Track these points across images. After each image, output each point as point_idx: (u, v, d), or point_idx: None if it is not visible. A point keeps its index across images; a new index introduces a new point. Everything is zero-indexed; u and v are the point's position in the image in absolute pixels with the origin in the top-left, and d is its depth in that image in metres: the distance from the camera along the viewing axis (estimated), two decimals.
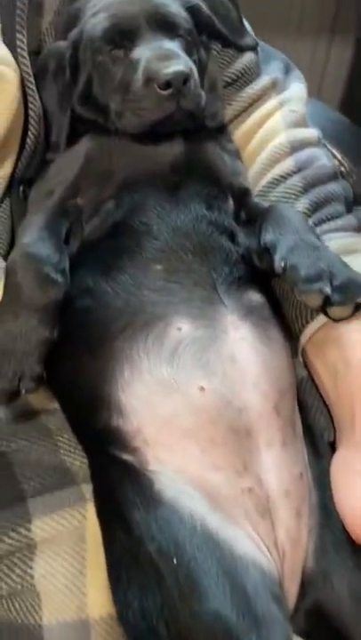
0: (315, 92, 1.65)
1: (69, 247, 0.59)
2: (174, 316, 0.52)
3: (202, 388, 0.49)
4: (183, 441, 0.48)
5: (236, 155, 0.69)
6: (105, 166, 0.59)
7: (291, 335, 0.59)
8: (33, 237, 0.55)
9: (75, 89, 0.62)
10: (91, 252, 0.59)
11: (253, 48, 0.72)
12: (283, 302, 0.60)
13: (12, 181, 0.66)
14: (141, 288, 0.54)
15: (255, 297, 0.57)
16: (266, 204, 0.63)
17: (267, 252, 0.56)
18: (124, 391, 0.50)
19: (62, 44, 0.63)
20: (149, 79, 0.55)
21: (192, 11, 0.65)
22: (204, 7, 0.66)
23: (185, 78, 0.55)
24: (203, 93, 0.61)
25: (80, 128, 0.63)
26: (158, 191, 0.58)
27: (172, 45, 0.59)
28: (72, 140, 0.63)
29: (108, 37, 0.59)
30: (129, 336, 0.51)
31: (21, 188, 0.67)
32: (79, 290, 0.56)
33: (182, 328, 0.52)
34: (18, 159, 0.64)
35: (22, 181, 0.67)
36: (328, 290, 0.49)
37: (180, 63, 0.56)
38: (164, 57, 0.56)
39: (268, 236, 0.56)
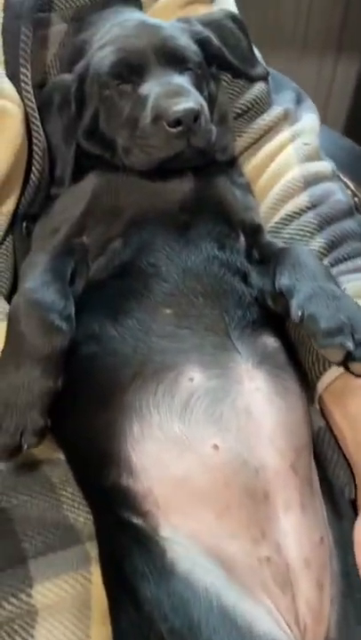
0: (321, 109, 1.64)
1: (75, 287, 0.56)
2: (185, 365, 0.49)
3: (216, 447, 0.46)
4: (197, 505, 0.45)
5: (247, 189, 0.66)
6: (112, 203, 0.57)
7: (307, 381, 0.56)
8: (36, 282, 0.53)
9: (80, 123, 0.61)
10: (97, 293, 0.56)
11: (264, 78, 0.70)
12: (298, 347, 0.57)
13: (15, 217, 0.64)
14: (150, 334, 0.51)
15: (270, 341, 0.54)
16: (280, 244, 0.60)
17: (282, 295, 0.53)
18: (133, 449, 0.47)
19: (68, 77, 0.61)
20: (158, 116, 0.54)
21: (202, 43, 0.63)
22: (214, 38, 0.64)
23: (195, 115, 0.54)
24: (213, 129, 0.59)
25: (86, 163, 0.61)
26: (167, 230, 0.56)
27: (182, 80, 0.57)
28: (77, 175, 0.61)
29: (116, 72, 0.57)
30: (138, 387, 0.49)
31: (24, 225, 0.65)
32: (85, 335, 0.53)
33: (194, 378, 0.49)
34: (21, 195, 0.62)
35: (25, 217, 0.64)
36: (350, 345, 0.46)
37: (190, 100, 0.54)
38: (174, 93, 0.54)
39: (283, 281, 0.53)
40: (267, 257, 0.59)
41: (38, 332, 0.49)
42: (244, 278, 0.57)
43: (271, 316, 0.56)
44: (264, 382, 0.50)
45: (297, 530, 0.47)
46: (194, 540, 0.44)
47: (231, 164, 0.66)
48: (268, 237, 0.62)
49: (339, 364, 0.50)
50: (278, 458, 0.48)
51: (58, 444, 0.53)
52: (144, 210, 0.57)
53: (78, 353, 0.52)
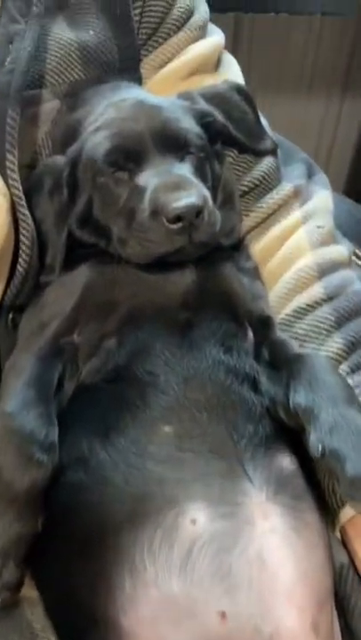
0: (327, 149, 1.64)
1: (63, 392, 0.50)
2: (186, 503, 0.42)
3: (222, 614, 0.39)
4: None
5: (255, 274, 0.60)
6: (106, 297, 0.52)
7: (327, 507, 0.49)
8: (17, 401, 0.46)
9: (72, 209, 0.56)
10: (87, 400, 0.50)
11: (273, 152, 0.65)
12: (317, 467, 0.50)
13: (0, 309, 0.58)
14: (145, 458, 0.45)
15: (286, 463, 0.47)
16: (293, 346, 0.53)
17: (297, 414, 0.46)
18: (124, 611, 0.39)
19: (60, 159, 0.57)
20: (157, 211, 0.49)
21: (206, 122, 0.58)
22: (219, 116, 0.59)
23: (198, 211, 0.49)
24: (218, 218, 0.53)
25: (78, 251, 0.56)
26: (167, 331, 0.50)
27: (183, 169, 0.52)
28: (69, 263, 0.56)
29: (111, 160, 0.53)
30: (130, 531, 0.42)
31: (10, 316, 0.59)
32: (71, 457, 0.46)
33: (197, 520, 0.42)
34: (7, 285, 0.57)
35: (12, 308, 0.58)
36: None
37: (192, 194, 0.49)
38: (174, 186, 0.50)
39: (299, 399, 0.46)
40: (278, 359, 0.52)
41: (15, 466, 0.43)
42: (254, 385, 0.50)
43: (285, 428, 0.49)
44: (280, 518, 0.43)
45: None
46: None
47: (237, 248, 0.60)
48: (279, 333, 0.56)
49: None
50: (297, 618, 0.40)
51: (36, 589, 0.46)
52: (141, 305, 0.51)
53: (63, 480, 0.45)
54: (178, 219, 0.48)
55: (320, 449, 0.42)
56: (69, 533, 0.44)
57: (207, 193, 0.52)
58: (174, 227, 0.48)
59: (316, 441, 0.43)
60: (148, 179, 0.51)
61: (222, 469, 0.44)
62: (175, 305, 0.51)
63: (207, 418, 0.46)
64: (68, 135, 0.58)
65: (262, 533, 0.42)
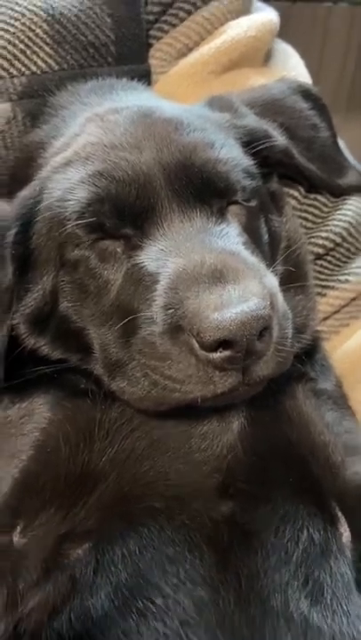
0: None
1: None
2: None
3: None
4: None
5: (341, 400, 0.40)
6: (76, 465, 0.34)
7: None
8: None
9: (22, 298, 0.38)
10: None
11: (360, 189, 0.47)
12: None
13: None
14: None
15: None
16: None
17: None
18: None
19: (4, 209, 0.39)
20: (180, 327, 0.30)
21: (256, 145, 0.39)
22: (279, 137, 0.41)
23: (263, 326, 0.30)
24: (290, 326, 0.32)
25: (32, 370, 0.38)
26: (192, 543, 0.31)
27: (227, 236, 0.33)
28: (15, 390, 0.38)
29: (93, 220, 0.34)
30: None
31: None
32: None
33: None
34: None
35: None
36: None
37: (251, 292, 0.30)
38: (213, 274, 0.30)
39: None
40: None
41: None
42: None
43: None
44: None
45: None
46: None
47: (311, 353, 0.41)
48: None
49: None
50: None
51: None
52: (140, 485, 0.33)
53: None
54: (224, 344, 0.29)
55: None
56: None
57: (275, 283, 0.32)
58: (216, 358, 0.29)
59: None
60: (162, 256, 0.32)
61: None
62: (209, 484, 0.33)
63: None
64: (21, 166, 0.41)
65: None
